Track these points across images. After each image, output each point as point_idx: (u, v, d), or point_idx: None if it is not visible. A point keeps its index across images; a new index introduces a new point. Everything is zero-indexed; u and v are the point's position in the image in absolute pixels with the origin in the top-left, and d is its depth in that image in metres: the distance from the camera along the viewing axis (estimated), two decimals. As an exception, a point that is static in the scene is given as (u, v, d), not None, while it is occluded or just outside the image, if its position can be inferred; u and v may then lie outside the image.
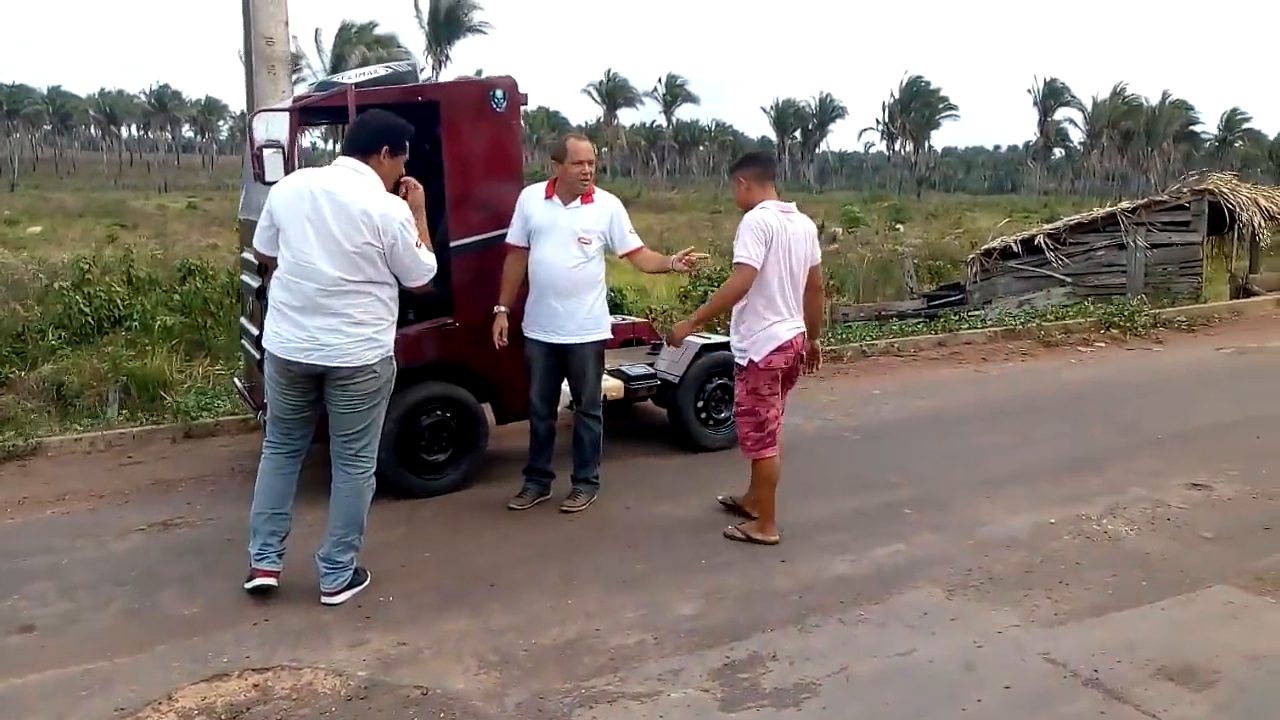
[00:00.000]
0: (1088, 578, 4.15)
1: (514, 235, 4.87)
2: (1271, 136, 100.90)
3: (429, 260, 3.79)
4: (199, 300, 12.25)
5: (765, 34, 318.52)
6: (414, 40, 71.43)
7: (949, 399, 7.51)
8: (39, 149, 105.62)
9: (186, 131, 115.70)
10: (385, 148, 3.74)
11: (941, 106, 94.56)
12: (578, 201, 4.75)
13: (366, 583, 4.00)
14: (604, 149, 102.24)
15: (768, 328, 4.38)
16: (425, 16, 69.72)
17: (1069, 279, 14.88)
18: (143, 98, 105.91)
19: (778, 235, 4.35)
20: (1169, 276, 14.27)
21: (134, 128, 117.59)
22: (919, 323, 12.91)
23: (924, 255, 24.57)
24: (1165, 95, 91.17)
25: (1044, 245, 14.98)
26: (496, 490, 5.18)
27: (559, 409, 5.06)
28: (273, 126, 4.62)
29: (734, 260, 4.35)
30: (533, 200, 4.85)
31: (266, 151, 4.41)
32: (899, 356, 9.11)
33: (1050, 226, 15.50)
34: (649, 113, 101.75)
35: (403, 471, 5.03)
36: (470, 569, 4.24)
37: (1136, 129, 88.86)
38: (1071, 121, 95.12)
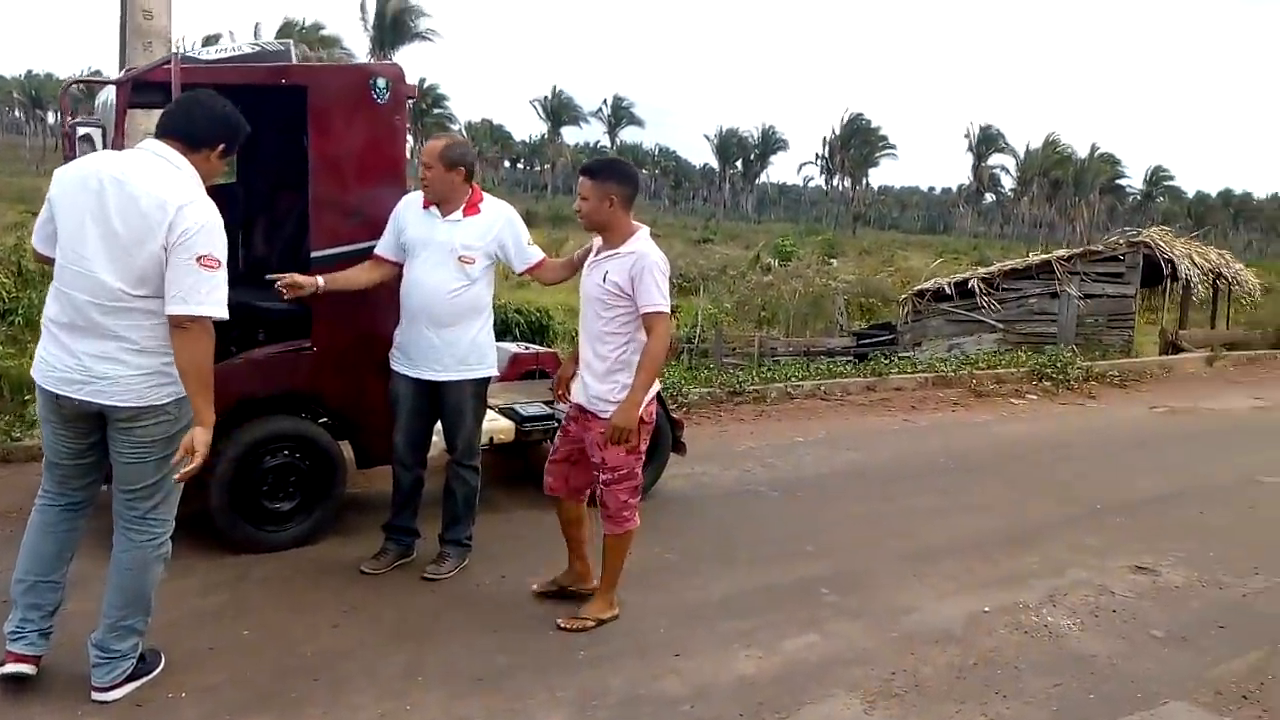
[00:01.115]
0: (1028, 687, 3.55)
1: (383, 245, 4.13)
2: (1191, 195, 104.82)
3: (213, 293, 2.85)
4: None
5: (712, 63, 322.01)
6: (359, 44, 70.03)
7: (876, 452, 6.95)
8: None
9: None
10: (221, 146, 3.01)
11: (880, 145, 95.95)
12: (458, 213, 4.01)
13: (157, 670, 3.21)
14: (546, 166, 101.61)
15: None
16: (371, 20, 68.48)
17: (1000, 325, 14.65)
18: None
19: None
20: (1100, 328, 14.09)
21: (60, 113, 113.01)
22: (847, 362, 12.48)
23: (857, 292, 24.40)
24: (1094, 148, 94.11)
25: (977, 289, 14.73)
26: (352, 547, 4.41)
27: (429, 456, 4.33)
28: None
29: (647, 310, 3.53)
30: (409, 209, 4.12)
31: (81, 131, 3.62)
32: (825, 400, 8.56)
33: (985, 270, 15.31)
34: (594, 132, 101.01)
35: (238, 521, 4.23)
36: (295, 655, 3.46)
37: (1065, 179, 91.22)
38: (1004, 168, 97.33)
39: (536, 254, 4.18)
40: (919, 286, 15.73)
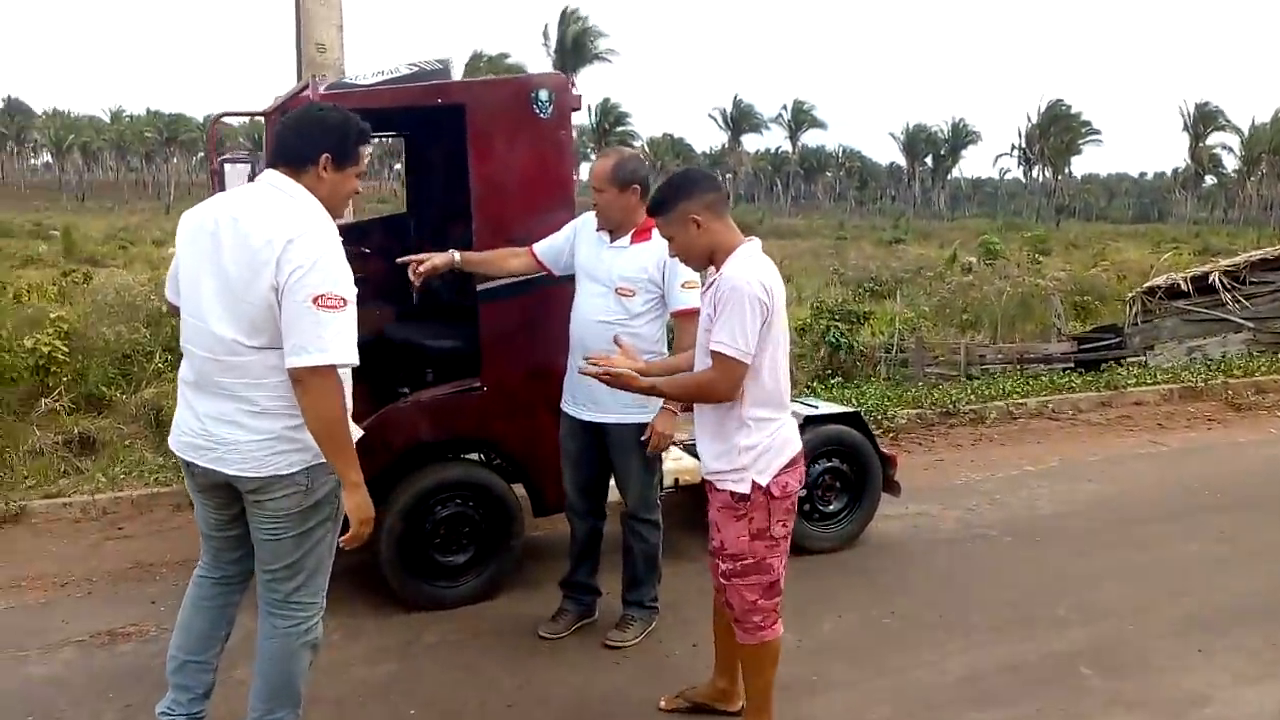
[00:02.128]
0: (1391, 823, 2.68)
1: (541, 245, 3.70)
2: None
3: (338, 337, 2.42)
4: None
5: (895, 59, 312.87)
6: (542, 69, 72.28)
7: (1124, 483, 5.96)
8: (194, 174, 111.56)
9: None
10: (325, 156, 2.57)
11: (1084, 131, 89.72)
12: (626, 239, 3.52)
13: (315, 761, 2.89)
14: (729, 175, 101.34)
15: (776, 430, 2.82)
16: (553, 45, 70.46)
17: (1249, 324, 12.85)
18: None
19: (776, 298, 2.77)
20: (1378, 323, 12.11)
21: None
22: (1068, 370, 11.22)
23: (1069, 290, 22.47)
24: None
25: (1219, 283, 13.00)
26: (531, 602, 4.01)
27: (608, 504, 3.87)
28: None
29: (715, 349, 2.70)
30: (585, 230, 3.68)
31: (229, 168, 3.39)
32: (1055, 420, 7.56)
33: (1228, 262, 13.49)
34: (774, 138, 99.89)
35: (408, 578, 3.91)
36: (464, 743, 3.07)
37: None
38: (1226, 147, 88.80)
39: (688, 301, 3.39)
40: (1149, 283, 14.09)
